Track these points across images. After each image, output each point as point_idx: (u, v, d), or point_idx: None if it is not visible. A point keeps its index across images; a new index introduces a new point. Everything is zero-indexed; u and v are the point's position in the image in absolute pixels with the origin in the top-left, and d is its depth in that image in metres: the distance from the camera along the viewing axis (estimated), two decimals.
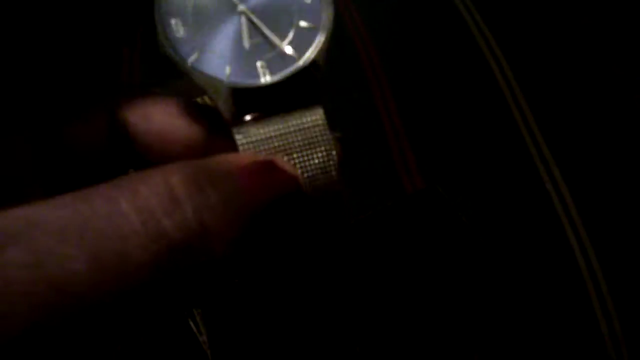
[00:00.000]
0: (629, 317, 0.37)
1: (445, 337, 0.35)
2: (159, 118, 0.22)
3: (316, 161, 0.20)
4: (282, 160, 0.20)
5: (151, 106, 0.22)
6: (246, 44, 0.21)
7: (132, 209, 0.15)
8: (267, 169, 0.19)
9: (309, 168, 0.20)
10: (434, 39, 0.49)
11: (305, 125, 0.21)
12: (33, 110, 0.21)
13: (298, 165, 0.20)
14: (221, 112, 0.20)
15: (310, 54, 0.21)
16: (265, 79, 0.20)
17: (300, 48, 0.21)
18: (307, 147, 0.20)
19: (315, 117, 0.21)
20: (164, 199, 0.16)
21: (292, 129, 0.20)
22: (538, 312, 0.37)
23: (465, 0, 0.49)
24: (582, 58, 0.46)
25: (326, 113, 0.21)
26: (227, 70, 0.20)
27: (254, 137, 0.20)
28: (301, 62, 0.21)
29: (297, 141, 0.20)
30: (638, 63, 0.45)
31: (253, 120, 0.20)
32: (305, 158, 0.21)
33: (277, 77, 0.20)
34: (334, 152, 0.20)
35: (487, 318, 0.36)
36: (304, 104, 0.21)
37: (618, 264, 0.38)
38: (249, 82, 0.20)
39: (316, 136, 0.20)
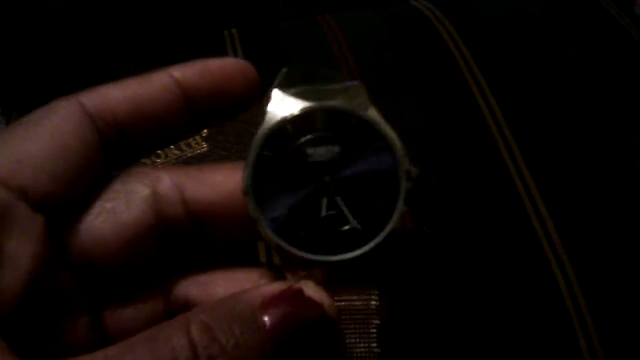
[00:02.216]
0: (615, 354, 0.37)
1: None
2: (221, 291, 0.23)
3: (357, 349, 0.21)
4: (311, 287, 0.20)
5: (213, 281, 0.24)
6: (323, 214, 0.22)
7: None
8: (292, 298, 0.20)
9: (352, 349, 0.21)
10: (430, 86, 0.50)
11: (358, 307, 0.22)
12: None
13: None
14: (284, 271, 0.22)
15: (379, 239, 0.22)
16: (333, 256, 0.21)
17: (372, 229, 0.22)
18: (354, 327, 0.22)
19: (368, 300, 0.22)
20: (185, 349, 0.18)
21: (346, 303, 0.21)
22: (522, 353, 0.38)
23: (468, 61, 0.50)
24: (582, 118, 0.47)
25: (381, 291, 0.22)
26: (300, 236, 0.22)
27: None
28: (370, 246, 0.22)
29: (347, 319, 0.21)
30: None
31: None
32: (350, 339, 0.22)
33: (344, 257, 0.22)
34: (375, 345, 0.21)
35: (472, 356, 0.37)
36: (363, 281, 0.22)
37: (605, 300, 0.39)
38: (316, 257, 0.21)
39: (364, 321, 0.22)
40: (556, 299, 0.39)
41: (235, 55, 0.51)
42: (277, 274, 0.23)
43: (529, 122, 0.46)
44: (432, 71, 0.50)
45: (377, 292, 0.22)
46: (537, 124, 0.46)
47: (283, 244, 0.21)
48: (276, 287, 0.20)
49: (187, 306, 0.24)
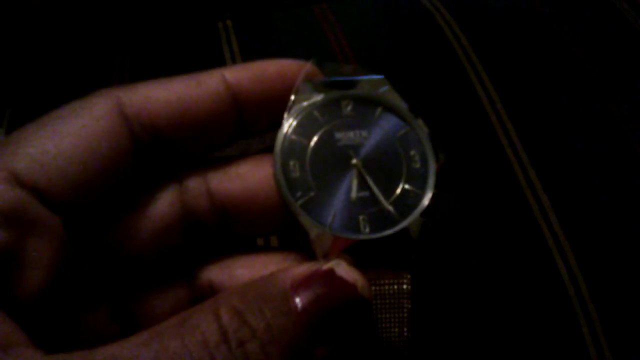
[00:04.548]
0: (619, 342, 0.37)
1: None
2: (245, 274, 0.23)
3: (389, 333, 0.21)
4: (343, 267, 0.20)
5: (235, 265, 0.24)
6: (354, 195, 0.22)
7: (194, 345, 0.17)
8: (324, 278, 0.19)
9: (383, 332, 0.21)
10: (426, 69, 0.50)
11: (389, 291, 0.21)
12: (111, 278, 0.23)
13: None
14: (314, 251, 0.21)
15: (410, 219, 0.22)
16: (365, 234, 0.21)
17: (402, 210, 0.22)
18: (385, 311, 0.22)
19: (399, 284, 0.21)
20: (215, 334, 0.18)
21: (376, 287, 0.21)
22: (526, 342, 0.38)
23: (468, 53, 0.50)
24: (581, 105, 0.46)
25: (413, 275, 0.22)
26: (331, 218, 0.22)
27: None
28: (400, 226, 0.22)
29: (378, 303, 0.21)
30: None
31: None
32: (381, 323, 0.21)
33: (375, 235, 0.21)
34: (406, 330, 0.21)
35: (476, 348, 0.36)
36: (395, 265, 0.22)
37: (608, 289, 0.39)
38: (348, 234, 0.21)
39: (396, 305, 0.21)
40: (558, 287, 0.39)
41: (230, 47, 0.51)
42: (298, 256, 0.23)
43: (528, 108, 0.46)
44: (429, 57, 0.49)
45: (408, 276, 0.21)
46: (535, 109, 0.46)
47: (315, 224, 0.21)
48: (307, 268, 0.19)
49: (211, 291, 0.23)
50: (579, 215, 0.41)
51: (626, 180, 0.42)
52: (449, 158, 0.23)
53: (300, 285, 0.19)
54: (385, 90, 0.23)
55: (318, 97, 0.23)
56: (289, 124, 0.22)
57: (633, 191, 0.42)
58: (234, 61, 0.50)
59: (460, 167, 0.43)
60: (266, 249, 0.24)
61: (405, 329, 0.21)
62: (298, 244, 0.23)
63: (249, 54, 0.50)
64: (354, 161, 0.22)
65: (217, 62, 0.50)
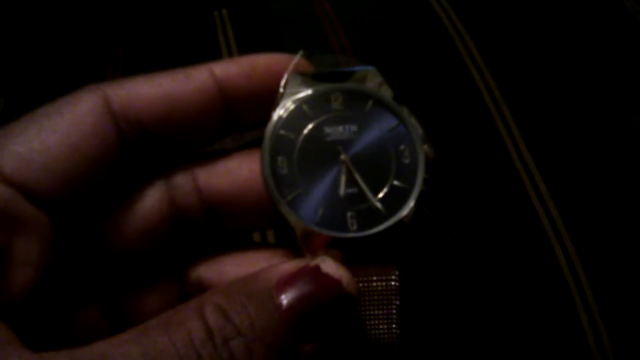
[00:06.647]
0: (618, 330, 0.37)
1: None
2: (233, 271, 0.23)
3: (377, 330, 0.21)
4: (329, 263, 0.20)
5: (224, 262, 0.23)
6: (341, 192, 0.22)
7: (181, 342, 0.18)
8: (309, 275, 0.19)
9: (371, 329, 0.21)
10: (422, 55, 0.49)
11: (377, 288, 0.21)
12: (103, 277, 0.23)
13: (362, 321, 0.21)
14: (302, 248, 0.21)
15: (399, 216, 0.21)
16: (352, 232, 0.21)
17: (391, 207, 0.22)
18: (374, 308, 0.21)
19: (388, 280, 0.21)
20: (201, 331, 0.18)
21: (364, 284, 0.21)
22: (524, 331, 0.37)
23: (470, 50, 0.50)
24: (580, 78, 0.46)
25: (401, 271, 0.21)
26: (318, 214, 0.21)
27: None
28: (388, 223, 0.21)
29: (366, 300, 0.21)
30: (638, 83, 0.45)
31: None
32: (370, 319, 0.21)
33: (363, 233, 0.21)
34: (395, 326, 0.21)
35: (472, 337, 0.36)
36: (382, 261, 0.21)
37: (605, 277, 0.39)
38: (335, 232, 0.21)
39: (384, 301, 0.21)
40: (556, 274, 0.39)
41: (225, 36, 0.50)
42: (288, 253, 0.23)
43: (526, 96, 0.46)
44: (426, 46, 0.49)
45: (396, 272, 0.21)
46: (533, 97, 0.46)
47: (302, 222, 0.21)
48: (292, 265, 0.19)
49: (200, 288, 0.23)
50: (577, 203, 0.41)
51: (625, 168, 0.42)
52: (439, 152, 0.23)
53: (286, 282, 0.19)
54: (377, 82, 0.23)
55: (307, 91, 0.22)
56: (277, 119, 0.22)
57: (631, 179, 0.42)
58: (229, 50, 0.49)
59: (457, 156, 0.43)
60: (257, 245, 0.24)
61: (394, 326, 0.21)
62: (294, 239, 0.23)
63: (245, 43, 0.50)
64: (343, 157, 0.22)
65: (212, 50, 0.49)
